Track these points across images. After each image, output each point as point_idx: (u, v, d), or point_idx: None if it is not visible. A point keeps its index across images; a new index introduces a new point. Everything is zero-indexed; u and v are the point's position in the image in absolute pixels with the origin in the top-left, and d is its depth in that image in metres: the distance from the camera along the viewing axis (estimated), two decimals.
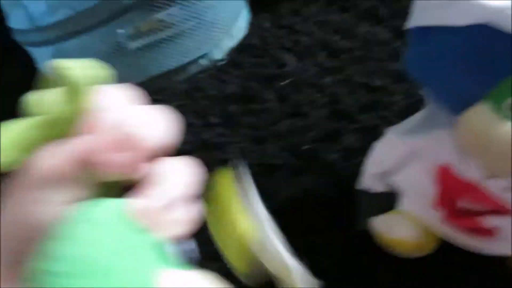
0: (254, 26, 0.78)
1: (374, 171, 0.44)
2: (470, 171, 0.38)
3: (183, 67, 0.70)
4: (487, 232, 0.39)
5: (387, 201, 0.43)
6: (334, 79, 0.64)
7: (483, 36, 0.33)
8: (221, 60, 0.72)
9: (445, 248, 0.41)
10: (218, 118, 0.61)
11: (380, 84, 0.61)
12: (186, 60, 0.70)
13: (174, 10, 0.65)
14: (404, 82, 0.60)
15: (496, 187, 0.37)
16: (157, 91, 0.66)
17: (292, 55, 0.70)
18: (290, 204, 0.50)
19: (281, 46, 0.72)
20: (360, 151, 0.47)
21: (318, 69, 0.66)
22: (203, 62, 0.71)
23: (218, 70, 0.70)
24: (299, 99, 0.62)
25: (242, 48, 0.74)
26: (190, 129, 0.60)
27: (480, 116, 0.34)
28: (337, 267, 0.43)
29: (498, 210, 0.38)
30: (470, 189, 0.38)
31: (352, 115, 0.58)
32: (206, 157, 0.56)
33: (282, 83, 0.64)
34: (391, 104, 0.58)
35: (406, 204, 0.41)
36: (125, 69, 0.66)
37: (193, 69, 0.70)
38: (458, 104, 0.35)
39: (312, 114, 0.59)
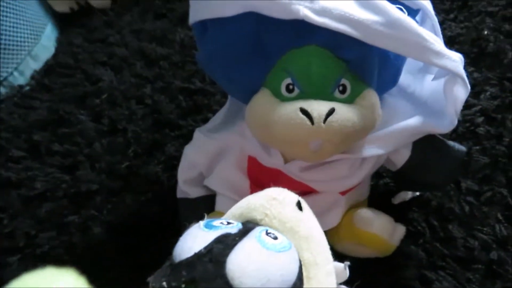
0: (63, 44, 0.71)
1: (188, 176, 0.42)
2: (271, 159, 0.38)
3: None
4: None
5: (205, 205, 0.41)
6: (154, 87, 0.61)
7: (251, 24, 0.32)
8: (25, 85, 0.63)
9: None
10: (22, 151, 0.53)
11: (200, 86, 0.59)
12: None
13: None
14: None
15: (295, 169, 0.37)
16: None
17: (108, 69, 0.65)
18: (112, 229, 0.45)
19: (95, 61, 0.66)
20: None
21: (137, 80, 0.62)
22: (2, 89, 0.61)
23: (22, 97, 0.62)
24: (116, 115, 0.57)
25: (50, 68, 0.66)
26: None
27: (261, 101, 0.33)
28: None
29: (305, 191, 0.39)
30: (275, 175, 0.38)
31: (174, 122, 0.55)
32: (8, 197, 0.48)
33: (97, 100, 0.59)
34: (212, 105, 0.57)
35: (219, 204, 0.39)
36: None
37: None
38: (245, 94, 0.35)
39: (132, 128, 0.55)
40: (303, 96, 0.32)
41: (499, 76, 0.56)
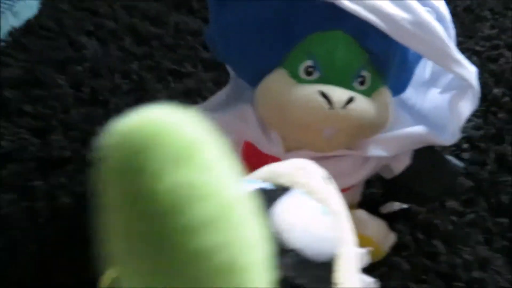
0: (47, 6, 0.66)
1: None
2: (271, 146, 0.36)
3: None
4: None
5: None
6: (141, 64, 0.57)
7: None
8: (1, 40, 0.58)
9: None
10: None
11: (192, 71, 0.57)
12: None
13: None
14: (215, 70, 0.58)
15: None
16: None
17: (93, 39, 0.61)
18: (83, 201, 0.41)
19: (81, 29, 0.62)
20: None
21: (124, 54, 0.59)
22: None
23: None
24: (99, 85, 0.53)
25: (31, 29, 0.61)
26: None
27: (278, 81, 0.32)
28: None
29: None
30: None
31: (159, 101, 0.52)
32: None
33: (79, 67, 0.55)
34: (202, 90, 0.54)
35: None
36: None
37: None
38: (257, 74, 0.33)
39: (114, 101, 0.51)
40: (322, 81, 0.31)
41: (483, 109, 0.58)
